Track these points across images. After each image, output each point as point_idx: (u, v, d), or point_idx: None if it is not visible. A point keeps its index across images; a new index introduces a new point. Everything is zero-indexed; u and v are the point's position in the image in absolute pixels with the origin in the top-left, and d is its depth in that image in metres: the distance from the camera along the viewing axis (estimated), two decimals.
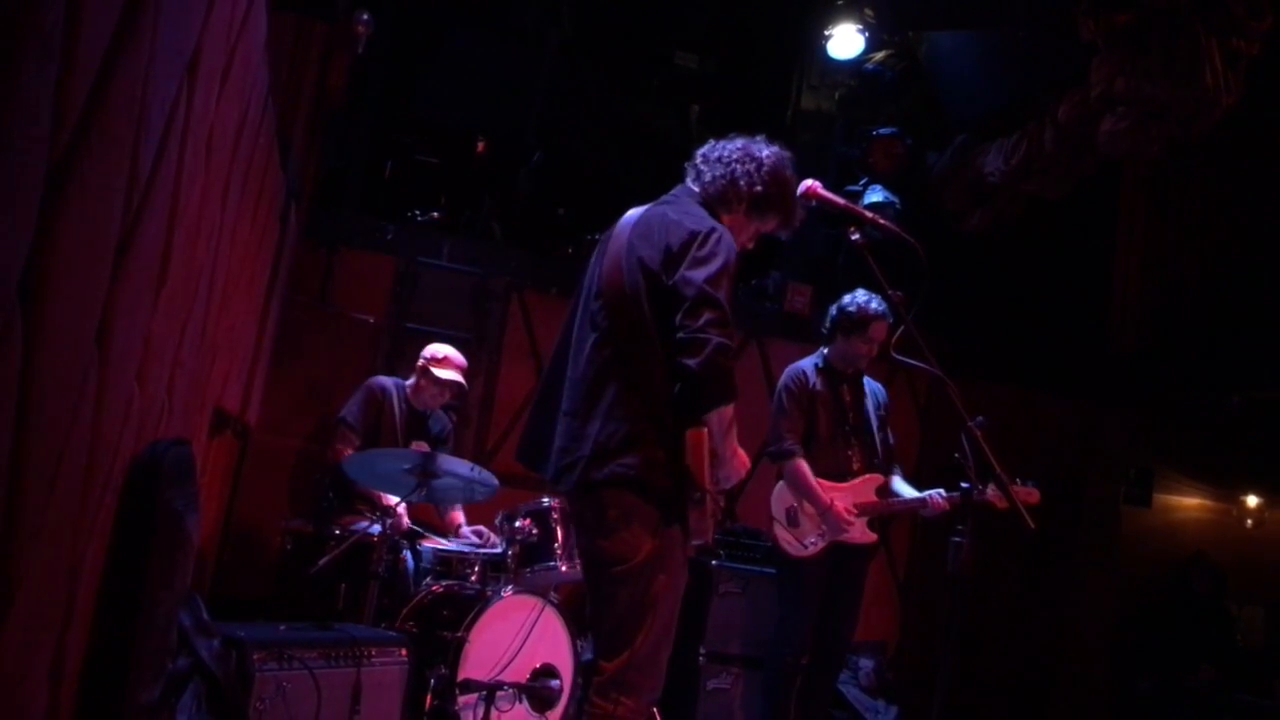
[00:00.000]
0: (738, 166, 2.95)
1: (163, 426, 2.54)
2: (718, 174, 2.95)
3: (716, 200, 2.96)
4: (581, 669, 3.07)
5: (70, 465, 1.71)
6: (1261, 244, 6.85)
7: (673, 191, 3.03)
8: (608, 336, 2.78)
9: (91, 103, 1.48)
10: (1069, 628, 7.07)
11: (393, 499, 4.36)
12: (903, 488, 4.52)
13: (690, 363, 2.60)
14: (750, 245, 3.09)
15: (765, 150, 3.00)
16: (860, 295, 4.52)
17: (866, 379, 4.71)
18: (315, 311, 5.72)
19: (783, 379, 4.69)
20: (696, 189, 2.99)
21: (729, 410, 2.71)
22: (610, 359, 2.76)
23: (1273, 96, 5.50)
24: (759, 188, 2.94)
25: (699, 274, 2.65)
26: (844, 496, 4.44)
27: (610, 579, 2.78)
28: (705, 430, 2.70)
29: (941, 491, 4.37)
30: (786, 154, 3.05)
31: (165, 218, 2.10)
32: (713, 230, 2.76)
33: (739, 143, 3.00)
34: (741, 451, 2.88)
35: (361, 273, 5.87)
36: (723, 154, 2.98)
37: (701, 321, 2.60)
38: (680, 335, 2.63)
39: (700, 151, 3.04)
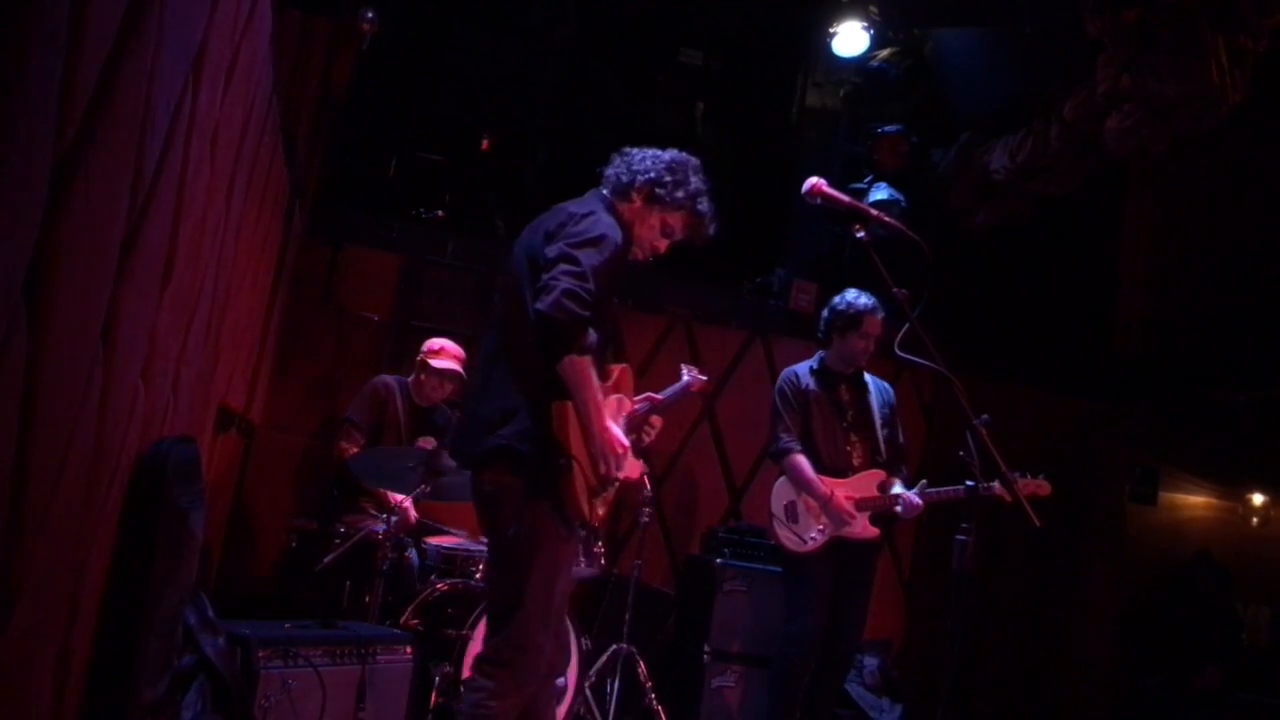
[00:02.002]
0: (636, 160, 3.12)
1: (168, 424, 2.54)
2: (619, 168, 3.12)
3: (616, 192, 3.10)
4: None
5: (75, 462, 1.71)
6: (1268, 241, 6.82)
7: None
8: (495, 324, 2.99)
9: (97, 100, 1.48)
10: (1074, 626, 7.06)
11: (398, 496, 4.36)
12: (895, 487, 4.52)
13: (540, 305, 2.69)
14: (661, 245, 3.21)
15: (669, 152, 3.15)
16: (849, 294, 4.59)
17: (873, 378, 4.72)
18: (320, 309, 5.71)
19: (777, 383, 4.73)
20: (605, 191, 3.13)
21: (585, 373, 2.77)
22: (497, 344, 2.96)
23: (1279, 93, 5.47)
24: (652, 174, 3.08)
25: (564, 241, 2.81)
26: (846, 491, 4.44)
27: (494, 556, 2.93)
28: (569, 404, 2.79)
29: (920, 488, 4.38)
30: (693, 160, 3.18)
31: (170, 214, 2.10)
32: (590, 213, 2.91)
33: (646, 149, 3.17)
34: (614, 430, 2.92)
35: (366, 270, 5.86)
36: (625, 154, 3.16)
37: (556, 270, 2.72)
38: (537, 286, 2.76)
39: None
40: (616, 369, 3.25)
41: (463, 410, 3.13)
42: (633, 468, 3.29)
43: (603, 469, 2.91)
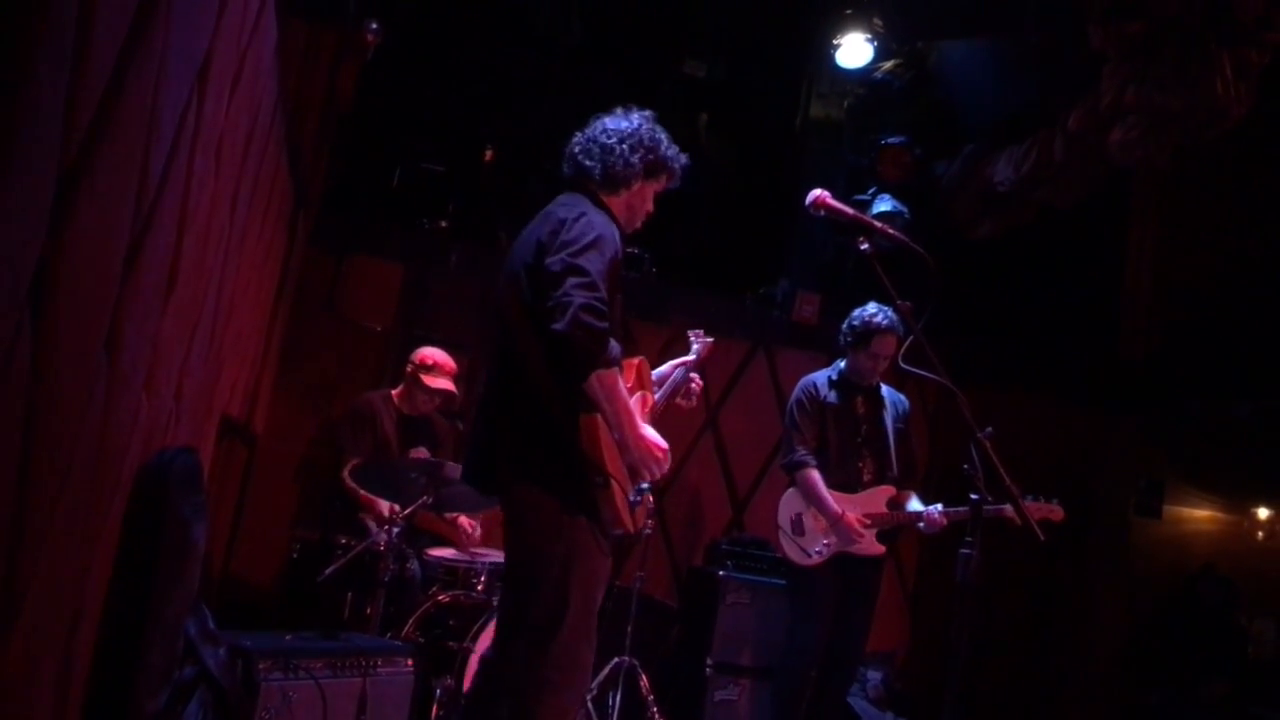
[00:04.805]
0: (620, 147, 2.98)
1: (171, 434, 2.53)
2: (608, 161, 2.97)
3: (611, 184, 2.99)
4: (481, 666, 3.02)
5: (78, 472, 1.71)
6: (1273, 252, 6.82)
7: (557, 198, 3.04)
8: (503, 344, 2.86)
9: (103, 109, 1.47)
10: (1079, 639, 7.03)
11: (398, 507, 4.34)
12: (912, 502, 4.51)
13: (557, 325, 2.57)
14: (651, 207, 3.13)
15: (631, 121, 3.04)
16: (869, 309, 4.51)
17: (888, 389, 4.69)
18: (323, 318, 5.71)
19: (795, 392, 4.69)
20: (588, 186, 3.00)
21: (615, 385, 2.69)
22: (506, 365, 2.83)
23: None
24: (651, 156, 3.00)
25: (564, 251, 2.67)
26: (854, 507, 4.42)
27: (529, 577, 2.78)
28: (597, 416, 2.69)
29: (938, 507, 4.35)
30: (647, 112, 3.10)
31: (175, 224, 2.09)
32: (581, 215, 2.78)
33: (607, 125, 3.04)
34: (650, 434, 2.83)
35: (369, 280, 5.87)
36: (600, 142, 3.00)
37: (566, 286, 2.59)
38: (548, 304, 2.62)
39: (572, 151, 3.06)
40: (633, 363, 3.13)
41: (476, 432, 2.98)
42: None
43: (646, 477, 2.84)
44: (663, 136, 3.06)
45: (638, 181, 3.01)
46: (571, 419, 2.70)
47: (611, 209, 2.97)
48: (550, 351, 2.68)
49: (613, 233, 2.80)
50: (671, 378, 3.43)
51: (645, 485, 2.93)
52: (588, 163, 2.99)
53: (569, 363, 2.63)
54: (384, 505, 4.45)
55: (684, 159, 3.11)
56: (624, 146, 2.97)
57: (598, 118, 3.08)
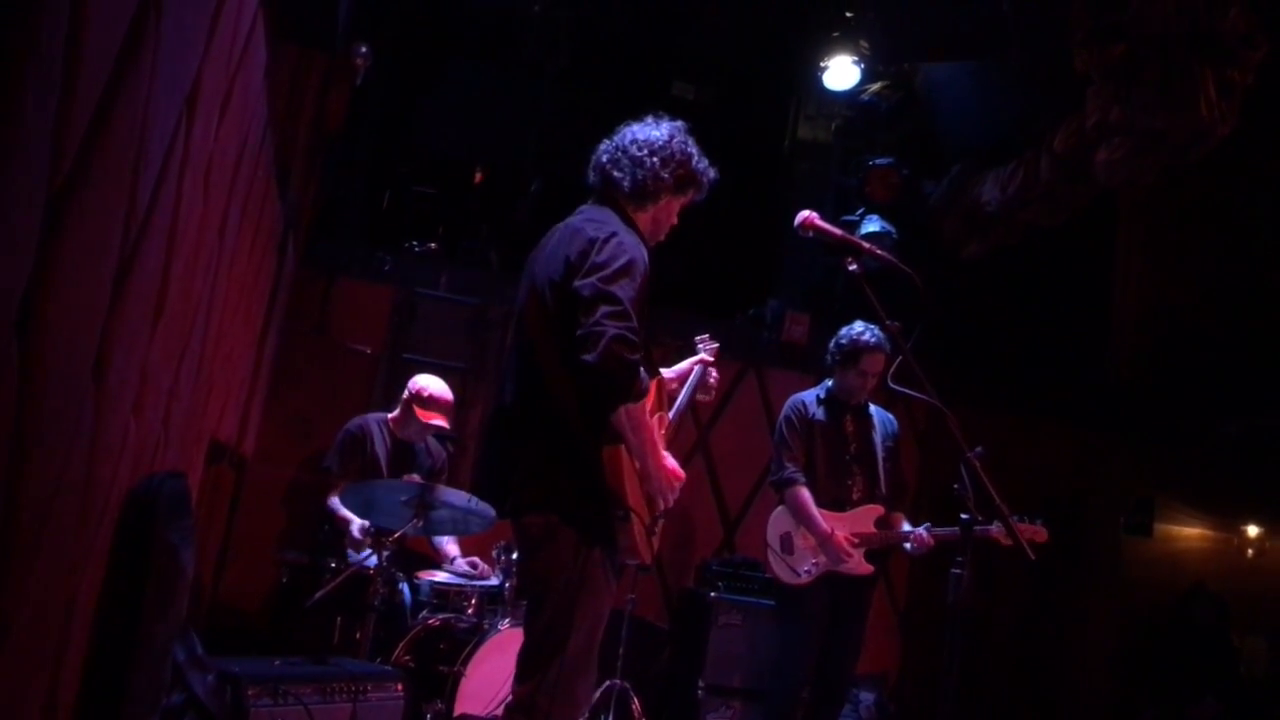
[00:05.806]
0: (651, 160, 2.88)
1: (159, 459, 2.52)
2: (638, 175, 2.88)
3: (639, 198, 2.90)
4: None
5: (66, 498, 1.70)
6: (1260, 270, 6.87)
7: (581, 208, 2.96)
8: (525, 361, 2.76)
9: (91, 134, 1.47)
10: (1071, 658, 7.02)
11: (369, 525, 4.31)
12: (902, 524, 4.50)
13: (587, 357, 2.49)
14: (675, 220, 3.05)
15: (662, 131, 2.94)
16: (856, 327, 4.52)
17: (877, 409, 4.68)
18: (312, 341, 5.70)
19: (783, 410, 4.69)
20: (615, 199, 2.92)
21: (641, 417, 2.62)
22: (528, 383, 2.73)
23: (1268, 124, 5.52)
24: (682, 170, 2.91)
25: (595, 275, 2.59)
26: (843, 526, 4.42)
27: (534, 601, 2.75)
28: (621, 447, 2.64)
29: (928, 526, 4.35)
30: (679, 123, 3.00)
31: (163, 248, 2.09)
32: (612, 235, 2.69)
33: (637, 135, 2.93)
34: (670, 462, 2.79)
35: (359, 303, 5.86)
36: (630, 153, 2.90)
37: (597, 315, 2.51)
38: (578, 333, 2.53)
39: (600, 160, 2.96)
40: (651, 382, 3.00)
41: (490, 448, 2.91)
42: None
43: (662, 505, 2.82)
44: (694, 149, 2.96)
45: (666, 196, 2.92)
46: (596, 450, 2.64)
47: (638, 223, 2.89)
48: (577, 379, 2.61)
49: (643, 254, 2.72)
50: (692, 374, 3.41)
51: (659, 515, 2.90)
52: (616, 173, 2.89)
53: (599, 395, 2.57)
54: (356, 526, 4.42)
55: (713, 172, 3.02)
56: (655, 160, 2.87)
57: (626, 124, 2.98)
